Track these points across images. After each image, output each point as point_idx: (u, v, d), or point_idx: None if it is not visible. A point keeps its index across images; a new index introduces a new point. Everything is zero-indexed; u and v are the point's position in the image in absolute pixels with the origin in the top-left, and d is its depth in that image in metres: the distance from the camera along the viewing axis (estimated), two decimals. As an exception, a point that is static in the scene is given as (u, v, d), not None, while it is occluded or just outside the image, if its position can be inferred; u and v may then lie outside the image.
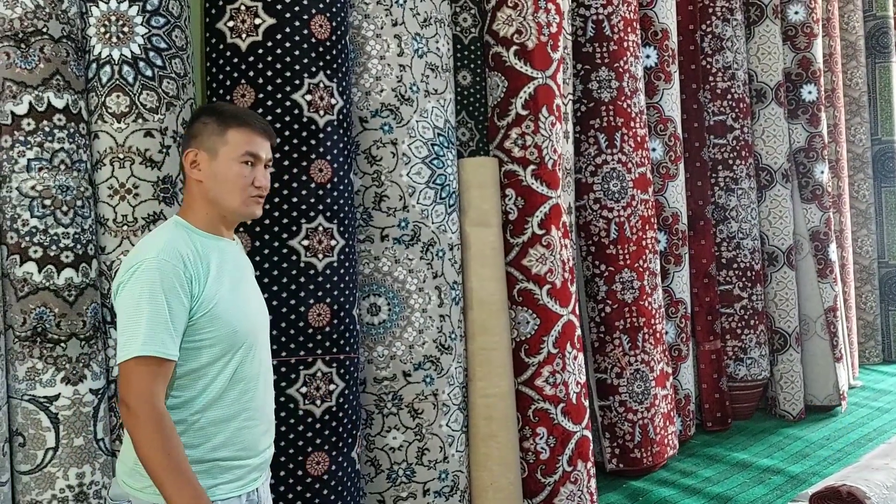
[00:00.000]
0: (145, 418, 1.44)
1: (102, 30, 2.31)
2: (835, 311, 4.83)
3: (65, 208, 2.21)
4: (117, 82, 2.31)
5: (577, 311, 3.30)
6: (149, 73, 2.35)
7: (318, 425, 2.52)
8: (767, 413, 4.81)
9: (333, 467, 2.54)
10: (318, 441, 2.52)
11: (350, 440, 2.62)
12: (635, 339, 3.71)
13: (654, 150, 4.13)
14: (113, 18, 2.32)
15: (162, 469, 1.45)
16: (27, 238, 2.17)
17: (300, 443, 2.50)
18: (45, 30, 2.21)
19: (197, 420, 1.56)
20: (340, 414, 2.57)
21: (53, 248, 2.19)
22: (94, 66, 2.32)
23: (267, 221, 2.52)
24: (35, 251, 2.17)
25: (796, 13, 4.90)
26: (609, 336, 3.72)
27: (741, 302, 4.61)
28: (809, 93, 4.90)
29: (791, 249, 4.79)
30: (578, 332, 3.28)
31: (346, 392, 2.60)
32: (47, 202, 2.19)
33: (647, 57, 4.13)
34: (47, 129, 2.20)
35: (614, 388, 3.71)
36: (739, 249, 4.63)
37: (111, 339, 2.33)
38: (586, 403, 3.27)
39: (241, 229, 2.52)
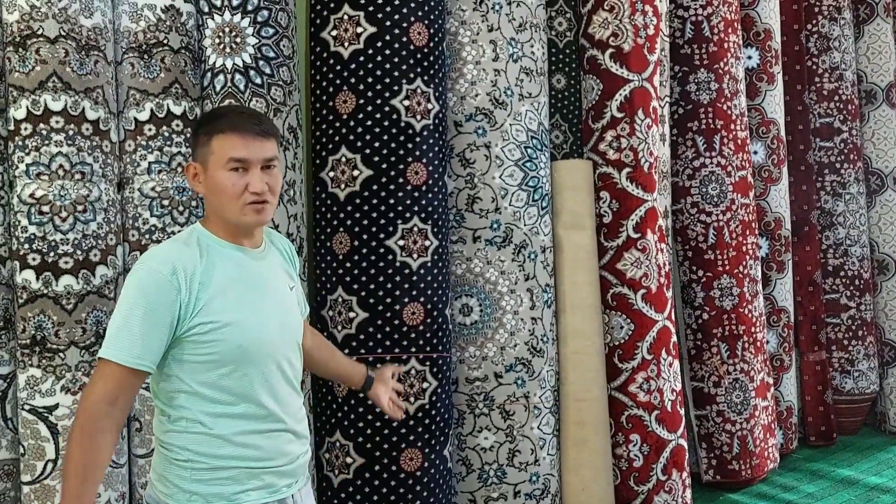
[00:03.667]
0: (85, 417, 1.43)
1: (217, 40, 2.45)
2: (952, 324, 4.54)
3: (181, 208, 2.36)
4: (230, 90, 2.44)
5: (674, 318, 3.24)
6: (258, 80, 2.47)
7: (411, 422, 2.58)
8: (876, 429, 4.56)
9: (426, 464, 2.59)
10: (411, 438, 2.58)
11: (443, 438, 2.66)
12: (734, 348, 3.61)
13: (755, 153, 4.00)
14: (227, 30, 2.46)
15: (70, 469, 1.42)
16: (147, 236, 2.33)
17: (394, 439, 2.56)
18: (165, 41, 2.37)
19: (212, 430, 1.50)
20: (433, 412, 2.62)
21: (170, 245, 2.34)
22: (208, 74, 2.47)
23: (365, 222, 2.60)
24: (153, 248, 2.33)
25: (911, 10, 4.65)
26: (706, 343, 3.63)
27: (848, 312, 4.40)
28: (925, 93, 4.64)
29: (904, 258, 4.55)
30: (674, 338, 3.22)
31: (439, 391, 2.65)
32: (165, 202, 2.34)
33: (749, 58, 4.01)
34: (166, 134, 2.36)
35: (712, 397, 3.61)
36: (847, 257, 4.42)
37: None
38: (682, 412, 3.21)
39: (342, 229, 2.62)
